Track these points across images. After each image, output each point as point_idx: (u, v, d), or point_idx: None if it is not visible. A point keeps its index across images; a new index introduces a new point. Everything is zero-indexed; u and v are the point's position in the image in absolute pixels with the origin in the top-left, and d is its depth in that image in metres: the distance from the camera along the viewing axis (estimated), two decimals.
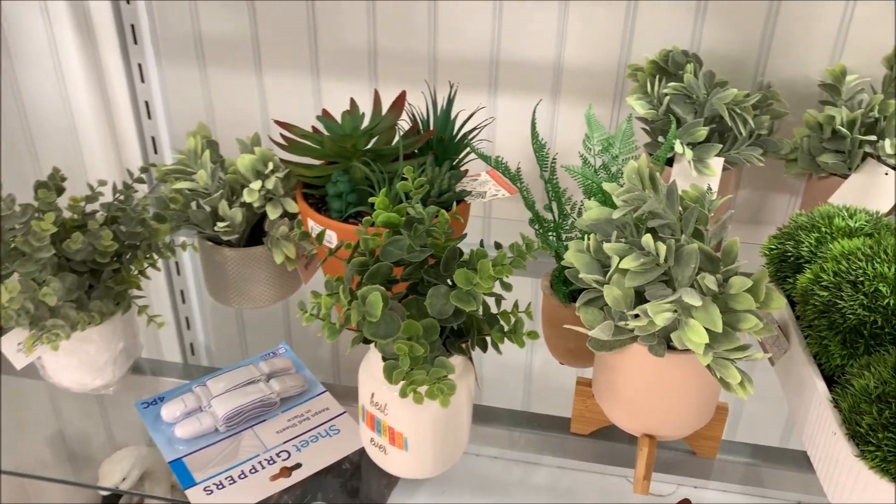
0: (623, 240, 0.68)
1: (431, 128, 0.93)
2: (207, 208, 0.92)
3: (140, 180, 0.89)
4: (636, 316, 0.66)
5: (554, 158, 0.86)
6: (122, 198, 0.87)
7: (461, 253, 0.70)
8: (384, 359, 0.69)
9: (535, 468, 1.34)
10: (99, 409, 1.26)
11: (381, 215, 0.73)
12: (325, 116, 0.96)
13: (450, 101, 0.94)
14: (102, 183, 0.84)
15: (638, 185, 0.68)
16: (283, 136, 0.94)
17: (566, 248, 0.79)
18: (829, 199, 0.98)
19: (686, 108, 0.99)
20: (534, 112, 0.87)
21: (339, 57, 1.18)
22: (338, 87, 1.21)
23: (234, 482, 0.77)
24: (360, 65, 1.18)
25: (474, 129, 0.94)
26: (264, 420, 0.84)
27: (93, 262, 0.81)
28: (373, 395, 0.74)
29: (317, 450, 0.81)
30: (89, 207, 0.85)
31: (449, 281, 0.70)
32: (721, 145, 0.97)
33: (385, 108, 0.95)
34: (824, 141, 0.98)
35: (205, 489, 0.76)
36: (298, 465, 0.79)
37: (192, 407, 0.84)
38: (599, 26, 1.09)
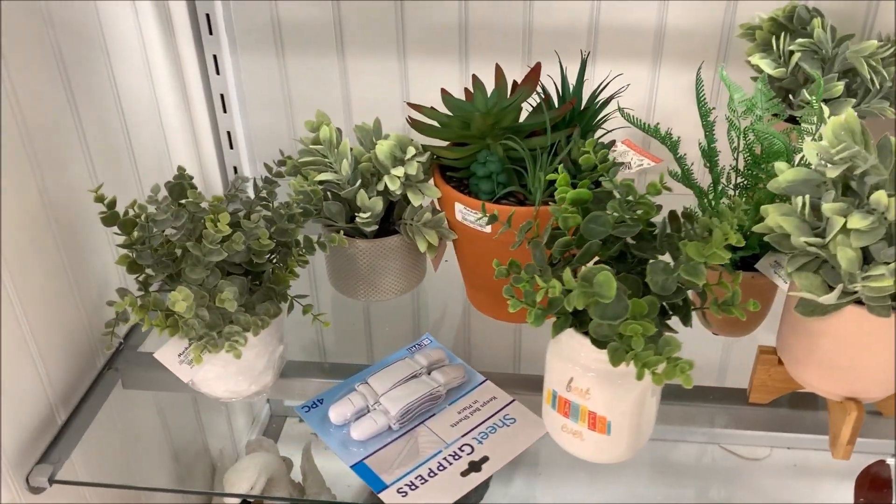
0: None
1: (568, 99, 0.90)
2: (341, 200, 0.88)
3: (279, 174, 0.84)
4: (865, 277, 0.64)
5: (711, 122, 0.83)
6: (264, 193, 0.82)
7: (681, 222, 0.67)
8: (597, 341, 0.66)
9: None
10: (207, 413, 1.21)
11: (570, 192, 0.70)
12: (444, 93, 0.92)
13: (583, 68, 0.90)
14: (244, 179, 0.80)
15: (849, 141, 0.65)
16: (410, 120, 0.90)
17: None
18: None
19: (814, 64, 0.96)
20: (698, 74, 0.84)
21: (427, 34, 1.13)
22: (425, 67, 1.17)
23: (426, 481, 0.74)
24: (449, 41, 1.14)
25: (611, 97, 0.91)
26: (434, 414, 0.81)
27: (248, 262, 0.77)
28: (571, 380, 0.71)
29: (499, 441, 0.78)
30: (230, 207, 0.80)
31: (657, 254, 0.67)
32: (853, 99, 0.95)
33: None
34: None
35: (398, 491, 0.73)
36: (486, 459, 0.76)
37: (360, 406, 0.80)
38: None
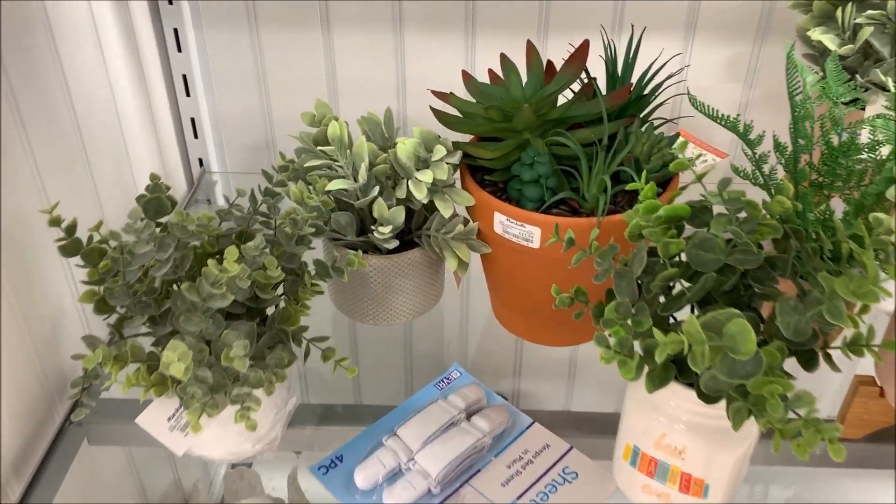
0: None
1: (621, 83, 0.76)
2: (351, 209, 0.72)
3: (281, 183, 0.68)
4: None
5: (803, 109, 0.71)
6: (264, 208, 0.66)
7: (822, 243, 0.54)
8: (706, 394, 0.53)
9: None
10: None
11: (664, 208, 0.56)
12: (465, 78, 0.77)
13: (635, 47, 0.76)
14: (242, 193, 0.64)
15: None
16: (434, 111, 0.75)
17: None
18: None
19: (883, 40, 0.85)
20: (790, 54, 0.70)
21: (422, 2, 0.97)
22: (426, 40, 1.01)
23: None
24: (454, 12, 0.98)
25: (668, 77, 0.77)
26: (479, 470, 0.67)
27: (251, 298, 0.61)
28: (662, 435, 0.59)
29: (562, 501, 0.65)
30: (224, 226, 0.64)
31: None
32: None
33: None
34: None
35: None
36: None
37: (391, 466, 0.66)
38: None
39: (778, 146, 0.74)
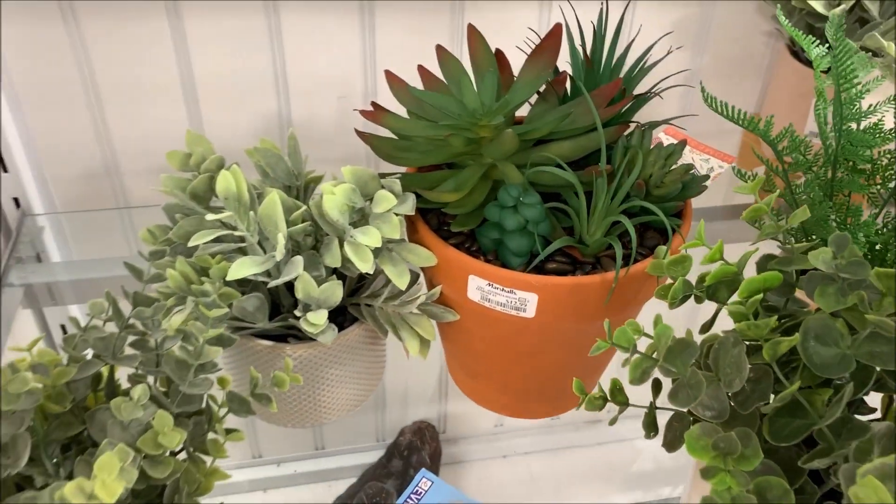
0: None
1: (609, 76, 0.57)
2: (261, 289, 0.50)
3: (159, 277, 0.45)
4: None
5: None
6: (139, 324, 0.43)
7: None
8: None
9: None
10: None
11: (753, 280, 0.39)
12: (393, 81, 0.56)
13: (618, 23, 0.58)
14: (100, 308, 0.40)
15: None
16: (363, 136, 0.53)
17: None
18: None
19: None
20: (839, 22, 0.54)
21: None
22: (309, 19, 0.78)
23: None
24: None
25: (658, 60, 0.59)
26: None
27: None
28: None
29: None
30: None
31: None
32: None
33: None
34: None
35: None
36: None
37: None
38: None
39: (795, 142, 0.59)
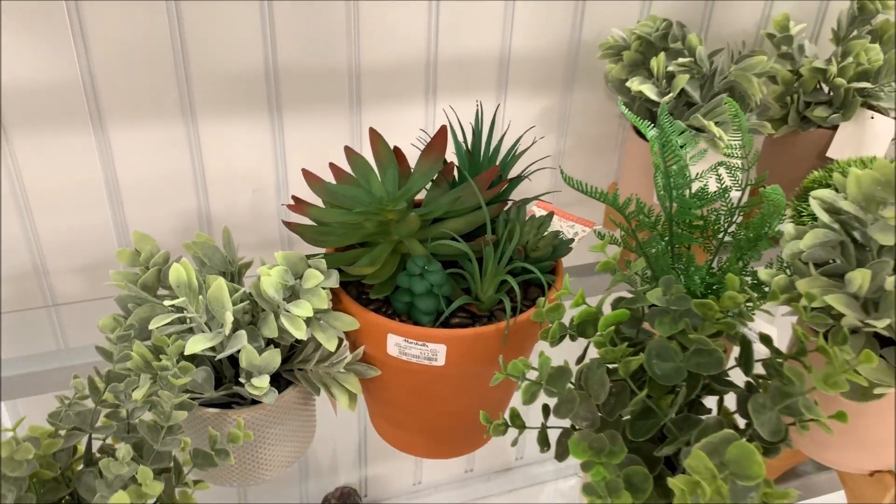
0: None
1: (487, 165, 0.69)
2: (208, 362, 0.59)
3: (126, 357, 0.52)
4: None
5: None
6: (114, 397, 0.50)
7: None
8: None
9: None
10: None
11: (603, 318, 0.51)
12: (311, 178, 0.67)
13: (490, 121, 0.71)
14: (81, 387, 0.48)
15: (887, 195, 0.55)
16: (290, 227, 0.63)
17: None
18: (828, 153, 0.96)
19: (693, 84, 0.88)
20: (664, 109, 0.68)
21: (217, 84, 0.84)
22: (223, 125, 0.87)
23: None
24: (254, 90, 0.86)
25: (522, 151, 0.72)
26: None
27: None
28: None
29: None
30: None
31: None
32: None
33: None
34: (806, 94, 0.95)
35: None
36: None
37: None
38: (543, 10, 0.92)
39: (639, 208, 0.73)
